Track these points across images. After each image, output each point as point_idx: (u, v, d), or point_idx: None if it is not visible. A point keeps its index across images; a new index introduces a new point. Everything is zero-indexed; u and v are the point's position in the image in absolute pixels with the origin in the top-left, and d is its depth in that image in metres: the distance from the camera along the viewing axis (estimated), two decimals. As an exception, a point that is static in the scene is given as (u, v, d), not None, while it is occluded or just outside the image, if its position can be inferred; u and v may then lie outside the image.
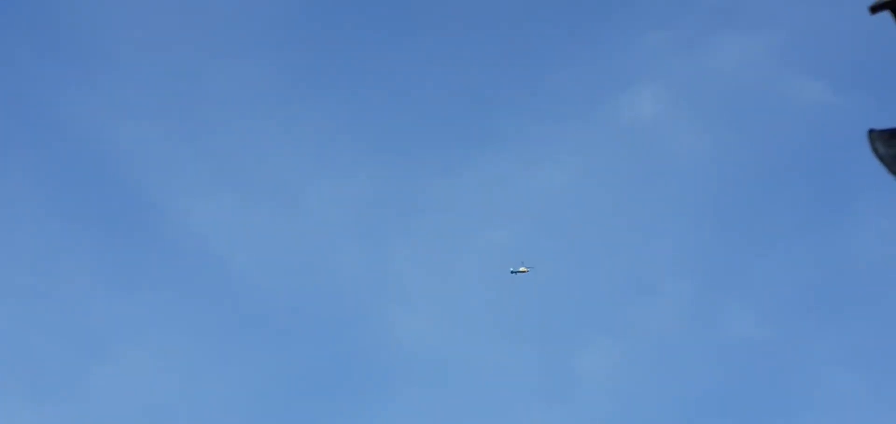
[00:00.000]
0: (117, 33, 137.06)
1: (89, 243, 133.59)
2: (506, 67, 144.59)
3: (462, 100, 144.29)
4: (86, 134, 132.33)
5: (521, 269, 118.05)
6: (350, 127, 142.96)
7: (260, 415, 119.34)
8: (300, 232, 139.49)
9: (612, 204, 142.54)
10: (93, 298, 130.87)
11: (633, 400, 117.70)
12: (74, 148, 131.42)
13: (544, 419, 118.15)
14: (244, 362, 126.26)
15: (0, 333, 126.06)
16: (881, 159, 7.79)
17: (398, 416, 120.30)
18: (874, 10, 7.17)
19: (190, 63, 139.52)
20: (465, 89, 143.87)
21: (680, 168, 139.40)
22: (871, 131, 7.78)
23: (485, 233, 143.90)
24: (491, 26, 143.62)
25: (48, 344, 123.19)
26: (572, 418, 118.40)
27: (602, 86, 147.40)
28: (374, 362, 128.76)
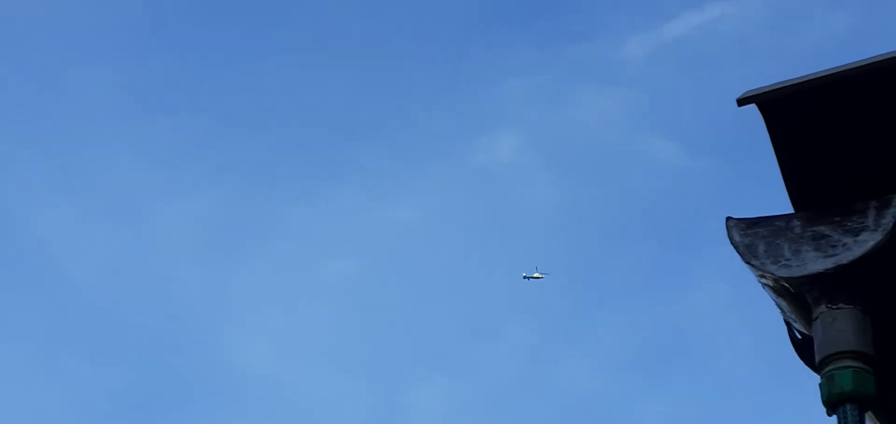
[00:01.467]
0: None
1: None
2: (365, 98, 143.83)
3: (318, 127, 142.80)
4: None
5: (535, 275, 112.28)
6: (202, 145, 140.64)
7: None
8: (142, 248, 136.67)
9: (461, 245, 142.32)
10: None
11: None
12: None
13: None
14: (71, 376, 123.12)
15: None
16: (736, 247, 6.74)
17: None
18: (741, 102, 6.52)
19: (41, 66, 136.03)
20: (321, 117, 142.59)
21: (532, 216, 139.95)
22: (728, 219, 6.73)
23: (331, 263, 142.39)
24: (353, 56, 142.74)
25: None
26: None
27: (460, 127, 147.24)
28: (207, 385, 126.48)
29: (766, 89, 6.54)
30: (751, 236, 6.70)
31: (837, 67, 6.46)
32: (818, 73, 6.47)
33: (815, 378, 6.53)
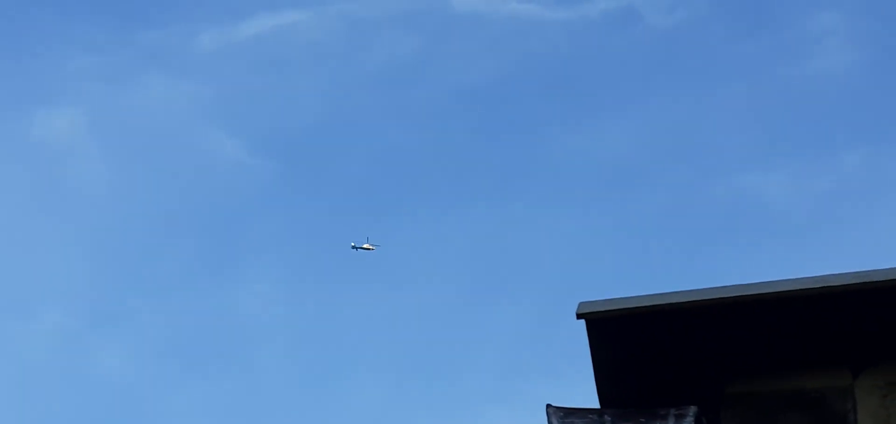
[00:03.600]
0: None
1: None
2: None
3: None
4: None
5: (366, 246, 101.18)
6: None
7: None
8: None
9: (5, 219, 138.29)
10: None
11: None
12: None
13: None
14: None
15: None
16: None
17: None
18: (580, 316, 7.70)
19: None
20: None
21: (87, 197, 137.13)
22: (548, 406, 7.96)
23: None
24: None
25: None
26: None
27: (18, 98, 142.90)
28: None
29: (596, 309, 7.86)
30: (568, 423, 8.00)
31: (655, 297, 7.86)
32: (639, 301, 7.84)
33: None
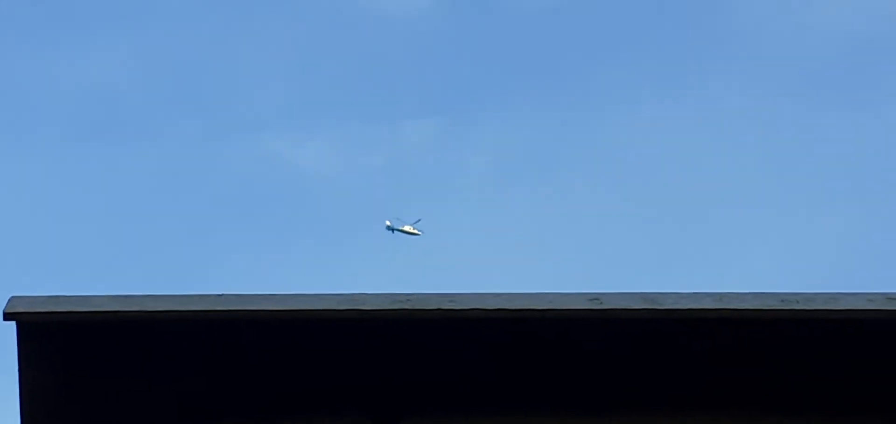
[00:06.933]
0: None
1: None
2: None
3: None
4: None
5: (407, 228, 75.01)
6: None
7: None
8: None
9: None
10: None
11: None
12: None
13: None
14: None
15: None
16: None
17: None
18: (8, 317, 5.64)
19: None
20: None
21: None
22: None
23: None
24: None
25: None
26: None
27: None
28: None
29: (36, 309, 5.70)
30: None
31: (121, 300, 5.76)
32: (101, 304, 5.73)
33: None
